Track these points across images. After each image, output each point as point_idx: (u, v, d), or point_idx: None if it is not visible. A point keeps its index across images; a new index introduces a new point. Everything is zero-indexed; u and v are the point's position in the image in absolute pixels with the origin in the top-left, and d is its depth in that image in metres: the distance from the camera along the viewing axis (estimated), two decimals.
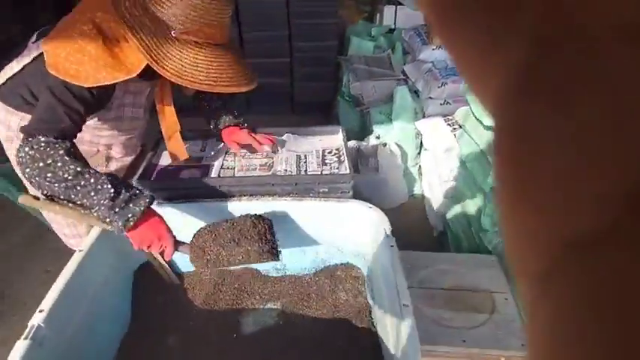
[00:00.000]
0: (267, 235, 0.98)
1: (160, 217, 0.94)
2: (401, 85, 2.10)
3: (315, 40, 2.70)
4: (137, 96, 1.10)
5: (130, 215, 0.87)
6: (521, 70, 0.11)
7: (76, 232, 1.21)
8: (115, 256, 1.06)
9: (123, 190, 0.87)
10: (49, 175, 0.83)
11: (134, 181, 1.11)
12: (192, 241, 0.98)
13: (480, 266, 1.10)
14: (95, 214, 0.87)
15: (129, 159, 1.27)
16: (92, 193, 0.85)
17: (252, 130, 1.27)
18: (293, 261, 1.19)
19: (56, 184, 0.84)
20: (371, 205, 1.08)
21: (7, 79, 1.03)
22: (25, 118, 1.01)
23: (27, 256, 1.75)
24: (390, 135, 2.04)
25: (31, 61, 0.98)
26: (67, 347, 0.84)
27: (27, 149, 0.84)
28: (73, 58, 0.87)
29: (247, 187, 1.11)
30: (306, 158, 1.22)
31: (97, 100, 0.95)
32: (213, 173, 1.16)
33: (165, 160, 1.23)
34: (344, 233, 1.12)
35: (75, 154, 0.87)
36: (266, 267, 1.20)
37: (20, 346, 0.74)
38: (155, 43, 0.87)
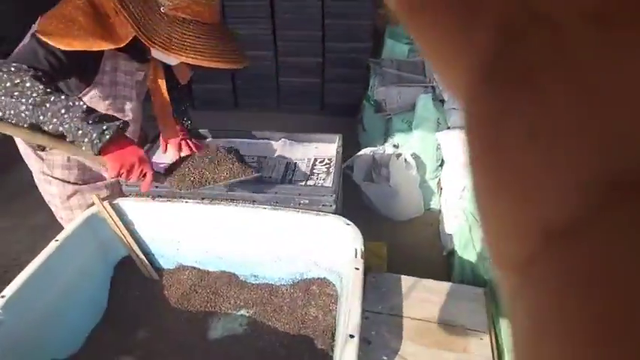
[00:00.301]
0: (241, 157, 1.04)
1: (137, 144, 0.95)
2: (426, 93, 2.00)
3: (348, 41, 2.64)
4: (128, 75, 1.12)
5: (104, 128, 0.84)
6: (488, 58, 0.11)
7: (72, 216, 1.26)
8: (95, 247, 1.09)
9: (95, 112, 0.87)
10: (15, 93, 0.82)
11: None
12: (169, 172, 1.01)
13: (464, 298, 1.02)
14: (66, 128, 0.83)
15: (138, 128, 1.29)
16: (63, 111, 0.83)
17: (188, 136, 1.29)
18: (270, 270, 1.16)
19: (23, 104, 0.82)
20: (349, 222, 1.03)
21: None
22: None
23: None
24: (409, 144, 1.95)
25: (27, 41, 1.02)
26: (24, 332, 0.87)
27: None
28: (63, 26, 0.90)
29: (226, 192, 1.10)
30: (295, 167, 1.18)
31: (79, 64, 0.96)
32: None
33: (159, 157, 1.24)
34: (321, 247, 1.08)
35: (44, 81, 0.85)
36: (244, 273, 1.18)
37: None
38: (144, 17, 0.90)
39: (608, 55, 0.09)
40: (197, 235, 1.14)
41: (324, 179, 1.13)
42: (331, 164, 1.18)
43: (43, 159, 1.14)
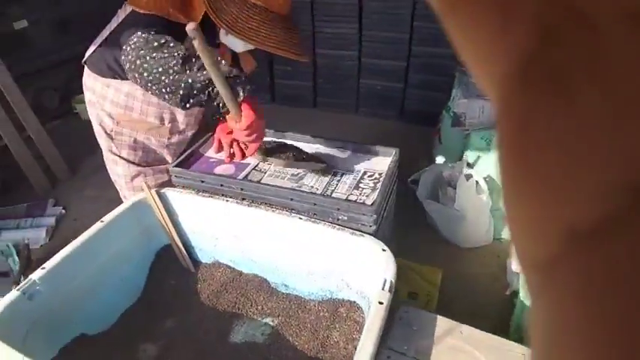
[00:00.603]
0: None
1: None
2: None
3: (436, 46, 2.48)
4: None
5: (249, 87, 0.96)
6: (523, 57, 0.11)
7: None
8: (139, 231, 1.13)
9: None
10: (165, 50, 0.93)
11: (171, 166, 1.17)
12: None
13: (502, 356, 0.87)
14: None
15: (189, 133, 1.33)
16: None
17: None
18: (302, 282, 1.11)
19: (174, 59, 0.92)
20: (385, 248, 0.94)
21: (97, 47, 1.16)
22: (109, 85, 1.14)
23: None
24: (484, 165, 1.77)
25: (118, 24, 1.09)
26: (59, 305, 0.93)
27: (140, 34, 0.95)
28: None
29: (267, 195, 1.07)
30: (340, 177, 1.11)
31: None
32: (243, 174, 1.15)
33: (210, 151, 1.25)
34: (354, 269, 1.00)
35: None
36: (276, 280, 1.15)
37: (10, 295, 0.84)
38: None
39: None
40: (234, 234, 1.13)
41: (367, 195, 1.05)
42: (380, 180, 1.09)
43: (112, 138, 1.22)
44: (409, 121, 2.81)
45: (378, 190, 1.05)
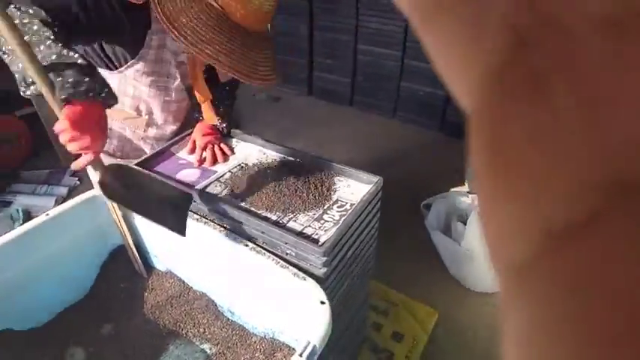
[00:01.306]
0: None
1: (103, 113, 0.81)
2: None
3: None
4: (174, 55, 1.10)
5: (86, 81, 0.76)
6: (497, 63, 0.11)
7: None
8: (92, 228, 1.07)
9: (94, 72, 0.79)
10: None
11: (133, 163, 1.09)
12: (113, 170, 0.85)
13: None
14: (52, 62, 0.76)
15: (168, 129, 1.25)
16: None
17: (222, 140, 1.18)
18: (247, 312, 1.00)
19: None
20: (325, 300, 0.79)
21: None
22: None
23: None
24: None
25: None
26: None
27: None
28: None
29: (218, 214, 0.96)
30: (308, 202, 0.97)
31: (126, 23, 0.97)
32: (203, 183, 1.04)
33: (183, 152, 1.16)
34: (292, 314, 0.87)
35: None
36: (223, 304, 1.04)
37: None
38: None
39: (615, 64, 0.09)
40: (185, 247, 1.03)
41: (326, 230, 0.90)
42: (347, 213, 0.93)
43: None
44: (450, 134, 2.56)
45: (338, 226, 0.89)
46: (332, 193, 1.01)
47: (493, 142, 0.11)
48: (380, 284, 1.58)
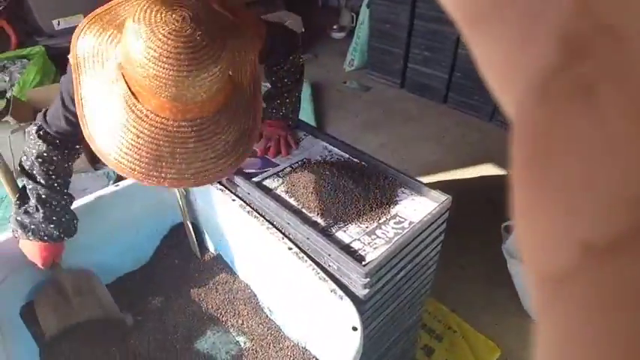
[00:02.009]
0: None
1: (49, 247, 0.91)
2: None
3: None
4: None
5: (17, 232, 0.88)
6: (546, 71, 0.11)
7: None
8: (154, 202, 1.12)
9: (42, 215, 0.86)
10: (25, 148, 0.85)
11: None
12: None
13: None
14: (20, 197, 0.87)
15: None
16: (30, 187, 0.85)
17: (290, 132, 1.11)
18: (284, 314, 0.97)
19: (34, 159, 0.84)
20: (357, 327, 0.72)
21: None
22: None
23: None
24: None
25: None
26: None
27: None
28: None
29: (268, 210, 0.93)
30: (363, 212, 0.89)
31: None
32: (261, 177, 1.01)
33: None
34: (328, 327, 0.81)
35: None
36: (265, 300, 1.02)
37: (2, 236, 0.90)
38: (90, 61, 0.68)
39: None
40: (238, 238, 1.03)
41: (375, 248, 0.82)
42: (403, 232, 0.84)
43: None
44: None
45: (390, 245, 0.80)
46: (392, 206, 0.92)
47: (536, 151, 0.11)
48: (441, 305, 1.45)
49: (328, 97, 2.94)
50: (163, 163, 0.65)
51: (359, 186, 0.94)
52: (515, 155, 0.12)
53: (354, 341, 0.71)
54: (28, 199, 0.86)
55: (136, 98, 0.64)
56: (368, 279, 0.77)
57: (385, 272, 0.81)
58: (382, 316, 0.92)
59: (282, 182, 1.00)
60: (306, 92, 2.74)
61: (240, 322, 1.02)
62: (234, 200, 0.98)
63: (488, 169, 2.16)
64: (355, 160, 1.06)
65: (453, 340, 1.34)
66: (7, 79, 2.32)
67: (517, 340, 1.36)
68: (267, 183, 1.00)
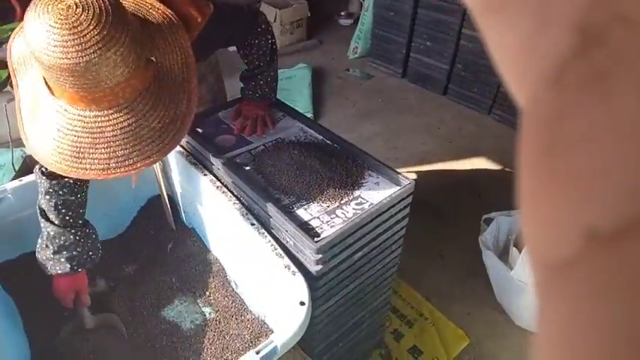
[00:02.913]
0: None
1: (67, 280, 0.91)
2: None
3: None
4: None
5: (46, 268, 0.89)
6: (561, 58, 0.11)
7: None
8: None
9: (44, 249, 0.88)
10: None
11: None
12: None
13: None
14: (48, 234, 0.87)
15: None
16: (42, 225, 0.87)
17: (268, 113, 1.12)
18: (248, 289, 0.99)
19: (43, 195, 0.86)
20: (305, 301, 0.74)
21: None
22: None
23: None
24: None
25: None
26: (27, 218, 1.00)
27: None
28: None
29: (236, 186, 0.95)
30: (326, 192, 0.91)
31: None
32: (234, 152, 1.03)
33: (228, 119, 1.16)
34: (281, 302, 0.83)
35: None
36: (232, 275, 1.05)
37: None
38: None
39: None
40: (207, 210, 1.05)
41: (332, 227, 0.83)
42: (362, 213, 0.85)
43: None
44: None
45: (342, 226, 0.82)
46: (356, 187, 0.93)
47: (545, 139, 0.11)
48: (415, 292, 1.47)
49: (329, 83, 2.93)
50: (85, 155, 0.67)
51: (325, 167, 0.95)
52: (525, 142, 0.12)
53: (299, 316, 0.73)
54: (42, 238, 0.89)
55: (52, 94, 0.66)
56: (320, 255, 0.79)
57: (340, 250, 0.83)
58: (341, 295, 0.94)
59: (253, 160, 1.01)
60: (305, 78, 2.74)
61: (207, 293, 1.05)
62: (205, 175, 1.00)
63: (480, 163, 2.16)
64: (329, 141, 1.07)
65: (423, 327, 1.36)
66: None
67: (487, 331, 1.37)
68: (238, 160, 1.02)
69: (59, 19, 0.60)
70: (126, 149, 0.68)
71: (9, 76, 2.13)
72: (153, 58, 0.70)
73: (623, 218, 0.10)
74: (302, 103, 2.52)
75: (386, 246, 0.96)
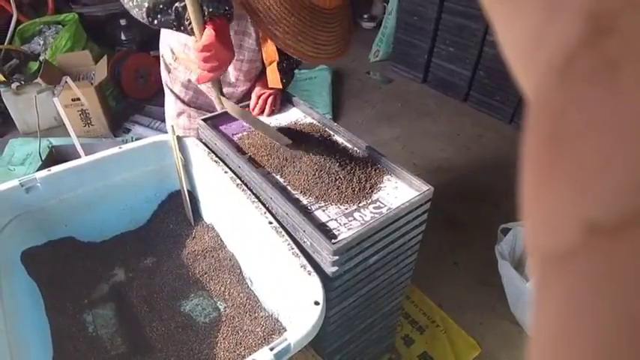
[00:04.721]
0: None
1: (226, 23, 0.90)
2: None
3: None
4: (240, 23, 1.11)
5: (227, 6, 0.86)
6: (571, 47, 0.11)
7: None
8: (155, 168, 1.17)
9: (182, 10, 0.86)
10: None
11: (199, 119, 1.14)
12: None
13: None
14: None
15: (240, 89, 1.27)
16: None
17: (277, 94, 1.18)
18: (263, 285, 1.00)
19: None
20: (319, 301, 0.75)
21: None
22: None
23: None
24: None
25: None
26: (55, 206, 1.04)
27: None
28: None
29: (254, 185, 0.96)
30: (345, 193, 0.92)
31: None
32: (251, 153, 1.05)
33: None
34: (295, 301, 0.84)
35: None
36: (247, 271, 1.06)
37: (9, 183, 0.97)
38: None
39: None
40: (225, 207, 1.07)
41: (349, 229, 0.84)
42: (380, 217, 0.86)
43: (169, 71, 1.26)
44: None
45: (360, 229, 0.83)
46: (374, 191, 0.94)
47: (551, 128, 0.11)
48: (427, 298, 1.46)
49: (349, 86, 2.94)
50: (318, 40, 0.88)
51: (344, 169, 0.96)
52: (531, 132, 0.12)
53: (313, 316, 0.73)
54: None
55: None
56: (337, 257, 0.80)
57: (356, 253, 0.83)
58: (355, 297, 0.94)
59: (272, 159, 1.03)
60: (326, 79, 2.75)
61: (222, 289, 1.06)
62: (226, 172, 1.02)
63: (498, 172, 2.13)
64: (348, 144, 1.08)
65: (434, 334, 1.36)
66: (42, 42, 2.43)
67: (499, 341, 1.36)
68: (257, 159, 1.03)
69: None
70: (331, 44, 0.90)
71: (39, 68, 2.20)
72: None
73: (624, 212, 0.09)
74: (322, 105, 2.54)
75: (402, 251, 0.96)
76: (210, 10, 0.84)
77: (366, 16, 3.69)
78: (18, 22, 2.42)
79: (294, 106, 1.23)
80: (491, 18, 0.14)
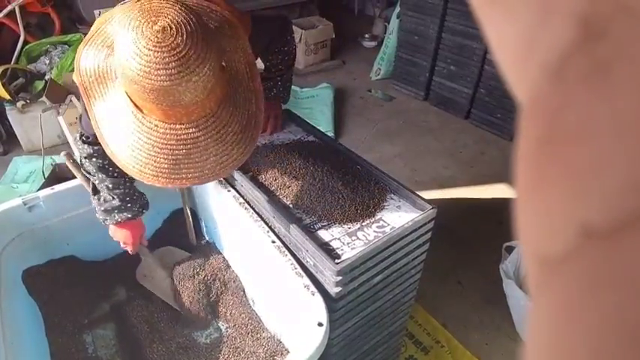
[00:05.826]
0: None
1: (136, 225, 1.00)
2: None
3: None
4: None
5: (106, 219, 0.95)
6: (563, 50, 0.11)
7: None
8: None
9: (117, 198, 0.93)
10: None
11: None
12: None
13: None
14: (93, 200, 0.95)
15: None
16: (97, 182, 0.93)
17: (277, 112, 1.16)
18: (264, 305, 0.99)
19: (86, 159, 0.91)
20: (323, 322, 0.74)
21: None
22: None
23: None
24: None
25: None
26: (57, 225, 1.03)
27: None
28: None
29: (258, 203, 0.96)
30: (347, 212, 0.91)
31: None
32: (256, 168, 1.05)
33: None
34: (298, 322, 0.83)
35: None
36: (250, 292, 1.05)
37: (12, 202, 0.97)
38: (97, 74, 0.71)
39: None
40: (230, 228, 1.06)
41: (353, 249, 0.83)
42: (384, 236, 0.85)
43: None
44: None
45: (363, 248, 0.82)
46: (378, 210, 0.93)
47: (544, 131, 0.11)
48: (432, 319, 1.44)
49: (351, 103, 2.96)
50: (181, 166, 0.69)
51: (347, 188, 0.96)
52: (525, 135, 0.12)
53: (317, 337, 0.72)
54: (99, 191, 0.94)
55: (141, 112, 0.67)
56: (340, 277, 0.79)
57: (360, 273, 0.83)
58: (358, 317, 0.93)
59: (276, 178, 1.03)
60: (328, 97, 2.77)
61: (224, 309, 1.05)
62: (229, 191, 1.02)
63: (501, 189, 2.13)
64: (350, 163, 1.08)
65: (439, 355, 1.33)
66: (48, 62, 2.46)
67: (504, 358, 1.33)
68: (260, 178, 1.03)
69: (157, 43, 0.60)
70: (217, 155, 0.70)
71: (44, 87, 2.22)
72: (223, 64, 0.72)
73: (619, 215, 0.09)
74: (323, 122, 2.55)
75: (405, 270, 0.95)
76: (104, 223, 0.96)
77: (367, 35, 3.75)
78: (25, 43, 2.46)
79: (296, 124, 1.23)
80: (482, 22, 0.14)
